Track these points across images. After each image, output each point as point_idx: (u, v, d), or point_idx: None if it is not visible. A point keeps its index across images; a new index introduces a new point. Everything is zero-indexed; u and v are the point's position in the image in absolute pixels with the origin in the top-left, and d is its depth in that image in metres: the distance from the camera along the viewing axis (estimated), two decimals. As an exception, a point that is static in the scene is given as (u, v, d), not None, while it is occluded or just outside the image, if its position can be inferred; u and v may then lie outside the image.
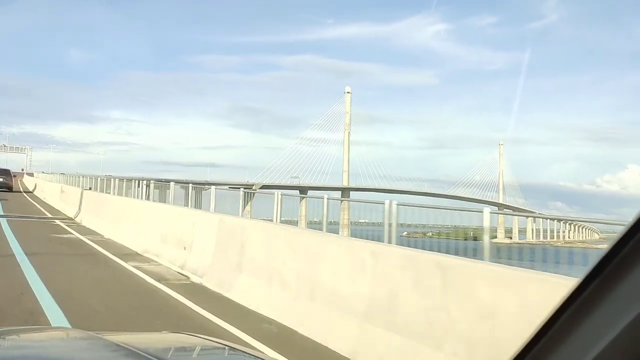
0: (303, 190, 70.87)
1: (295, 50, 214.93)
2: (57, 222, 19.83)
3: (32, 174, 66.60)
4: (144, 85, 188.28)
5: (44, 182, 41.12)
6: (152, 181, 19.99)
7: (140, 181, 20.34)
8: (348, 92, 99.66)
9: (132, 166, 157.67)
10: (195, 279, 9.55)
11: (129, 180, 22.68)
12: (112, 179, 23.12)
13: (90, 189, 22.85)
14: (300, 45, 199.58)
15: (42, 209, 26.87)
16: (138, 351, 1.79)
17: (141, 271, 10.38)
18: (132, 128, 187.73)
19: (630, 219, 0.73)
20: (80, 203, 21.20)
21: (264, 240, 8.21)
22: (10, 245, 12.86)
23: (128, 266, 10.93)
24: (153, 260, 11.57)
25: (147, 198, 18.83)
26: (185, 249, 10.68)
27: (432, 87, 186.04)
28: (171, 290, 8.71)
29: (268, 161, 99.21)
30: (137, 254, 12.49)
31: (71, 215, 21.79)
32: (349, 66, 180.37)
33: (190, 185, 17.40)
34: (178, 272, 10.21)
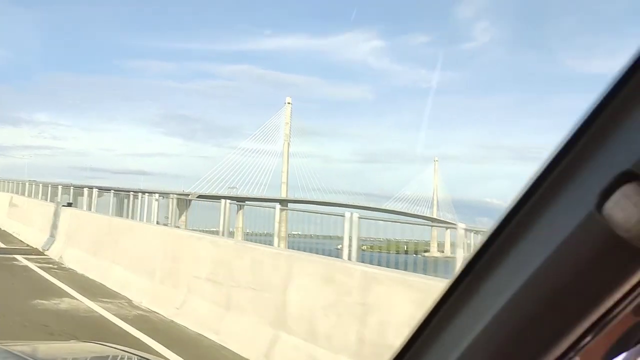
0: (241, 201, 69.34)
1: (231, 59, 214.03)
2: (22, 259, 12.11)
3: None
4: (73, 89, 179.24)
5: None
6: (174, 195, 12.72)
7: (150, 195, 12.81)
8: (289, 103, 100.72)
9: (57, 171, 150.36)
10: None
11: (127, 192, 15.18)
12: (87, 189, 15.69)
13: (70, 204, 14.75)
14: (237, 55, 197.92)
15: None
16: None
17: None
18: (59, 132, 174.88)
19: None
20: (55, 227, 13.44)
21: None
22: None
23: None
24: None
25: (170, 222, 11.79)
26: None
27: (368, 102, 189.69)
28: None
29: (203, 170, 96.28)
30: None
31: (36, 244, 14.21)
32: (286, 78, 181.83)
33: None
34: None
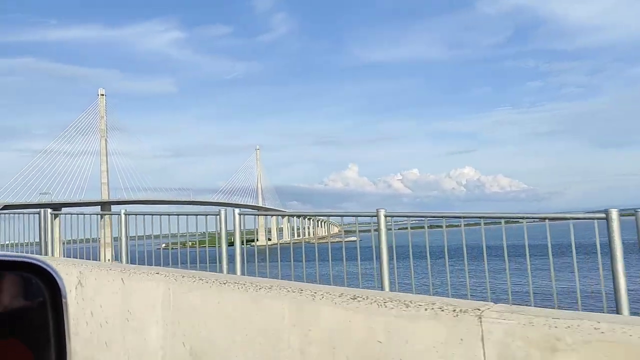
0: (57, 207, 65.49)
1: (11, 52, 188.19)
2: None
3: None
4: None
5: None
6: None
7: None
8: (102, 95, 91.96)
9: None
10: None
11: None
12: None
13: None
14: (18, 47, 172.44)
15: None
16: None
17: None
18: None
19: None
20: None
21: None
22: None
23: None
24: None
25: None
26: None
27: (173, 95, 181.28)
28: None
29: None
30: None
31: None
32: (78, 71, 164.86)
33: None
34: None
